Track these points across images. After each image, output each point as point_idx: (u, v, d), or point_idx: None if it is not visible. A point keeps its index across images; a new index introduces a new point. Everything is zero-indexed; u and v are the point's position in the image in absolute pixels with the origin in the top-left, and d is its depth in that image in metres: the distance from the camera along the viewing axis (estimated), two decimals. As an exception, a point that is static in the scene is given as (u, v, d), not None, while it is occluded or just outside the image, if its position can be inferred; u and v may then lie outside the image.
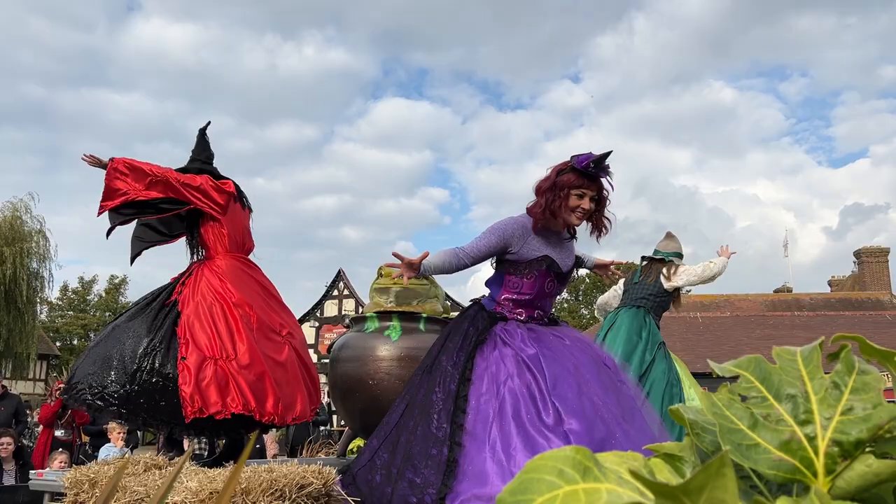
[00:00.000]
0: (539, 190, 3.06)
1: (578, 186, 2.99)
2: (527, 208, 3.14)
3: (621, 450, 2.50)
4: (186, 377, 3.51)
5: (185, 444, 7.48)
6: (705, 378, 6.28)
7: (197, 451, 9.01)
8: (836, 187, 64.95)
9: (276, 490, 2.67)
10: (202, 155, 4.25)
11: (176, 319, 3.74)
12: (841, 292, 25.91)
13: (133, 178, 3.89)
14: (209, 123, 4.32)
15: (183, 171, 4.08)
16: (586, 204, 3.02)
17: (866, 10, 61.37)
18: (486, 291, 3.29)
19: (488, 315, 3.08)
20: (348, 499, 2.78)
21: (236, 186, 4.20)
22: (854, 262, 27.56)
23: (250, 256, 4.27)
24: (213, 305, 3.76)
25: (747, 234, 59.44)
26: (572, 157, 3.00)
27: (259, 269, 4.23)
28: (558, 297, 3.24)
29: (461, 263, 3.03)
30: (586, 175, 2.98)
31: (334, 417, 12.90)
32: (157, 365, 3.58)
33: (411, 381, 3.14)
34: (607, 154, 2.95)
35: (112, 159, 3.91)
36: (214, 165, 4.25)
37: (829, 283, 29.51)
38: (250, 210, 4.33)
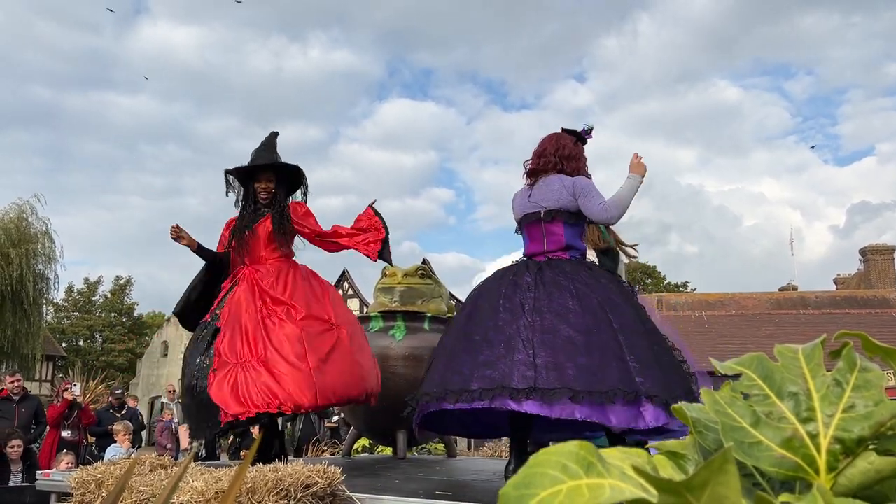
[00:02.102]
0: (577, 156, 3.65)
1: None
2: (578, 169, 3.61)
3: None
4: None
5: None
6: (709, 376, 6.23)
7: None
8: (842, 185, 64.86)
9: (282, 489, 2.68)
10: (253, 153, 4.28)
11: (215, 334, 3.98)
12: (846, 290, 25.81)
13: None
14: (278, 134, 4.37)
15: (239, 171, 4.27)
16: None
17: (870, 9, 61.22)
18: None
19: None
20: (353, 497, 2.78)
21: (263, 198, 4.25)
22: (860, 261, 27.47)
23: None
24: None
25: (753, 232, 59.38)
26: (582, 132, 3.71)
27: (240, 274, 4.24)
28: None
29: None
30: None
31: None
32: (201, 380, 3.85)
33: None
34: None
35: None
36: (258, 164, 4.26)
37: (835, 282, 29.41)
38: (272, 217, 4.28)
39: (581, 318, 3.07)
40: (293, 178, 4.33)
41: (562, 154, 3.56)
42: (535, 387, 2.87)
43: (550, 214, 3.45)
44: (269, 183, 4.22)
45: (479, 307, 3.32)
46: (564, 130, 3.70)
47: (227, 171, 4.27)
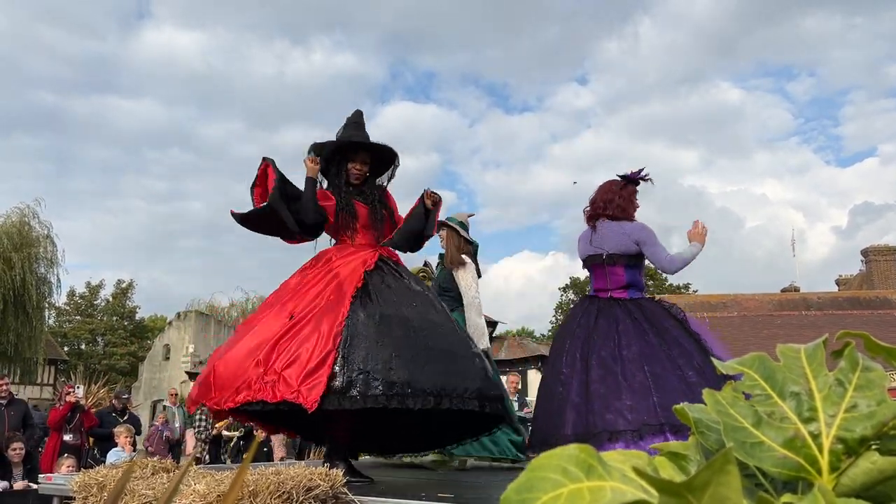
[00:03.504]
0: (624, 204, 4.02)
1: None
2: (625, 212, 3.97)
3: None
4: None
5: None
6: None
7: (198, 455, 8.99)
8: (844, 186, 64.84)
9: (284, 492, 2.68)
10: (344, 131, 4.04)
11: None
12: (849, 291, 25.78)
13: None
14: (362, 112, 4.17)
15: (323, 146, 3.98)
16: None
17: (872, 10, 61.24)
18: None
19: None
20: (356, 500, 2.78)
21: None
22: (862, 262, 27.44)
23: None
24: None
25: (756, 233, 59.38)
26: (631, 176, 4.04)
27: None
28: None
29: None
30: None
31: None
32: None
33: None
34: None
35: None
36: (349, 139, 4.00)
37: (837, 283, 29.39)
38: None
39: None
40: (385, 160, 4.08)
41: (609, 202, 3.97)
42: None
43: (612, 258, 3.89)
44: (364, 165, 3.97)
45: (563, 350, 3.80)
46: (620, 177, 4.07)
47: (318, 145, 3.97)
